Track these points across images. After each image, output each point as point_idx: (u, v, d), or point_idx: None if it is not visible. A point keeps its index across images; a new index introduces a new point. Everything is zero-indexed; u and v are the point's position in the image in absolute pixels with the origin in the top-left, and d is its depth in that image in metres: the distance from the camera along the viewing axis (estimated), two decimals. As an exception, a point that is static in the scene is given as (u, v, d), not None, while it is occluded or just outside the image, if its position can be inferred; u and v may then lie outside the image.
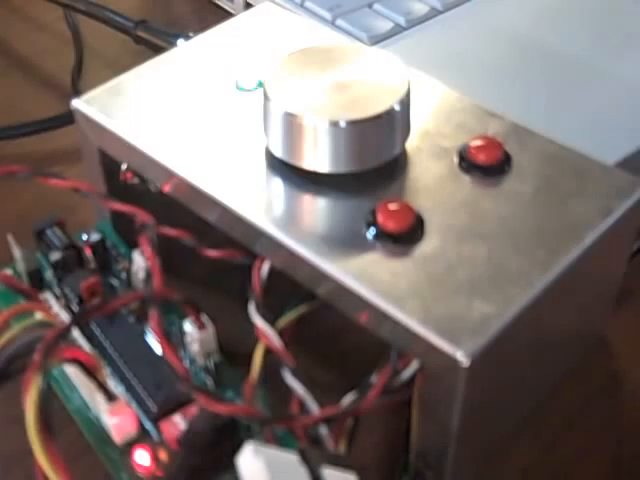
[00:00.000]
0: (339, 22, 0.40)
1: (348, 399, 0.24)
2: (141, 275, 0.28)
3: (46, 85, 0.43)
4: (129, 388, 0.25)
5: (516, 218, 0.24)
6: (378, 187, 0.25)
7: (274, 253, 0.24)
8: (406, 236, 0.24)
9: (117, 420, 0.24)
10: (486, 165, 0.26)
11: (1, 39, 0.46)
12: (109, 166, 0.29)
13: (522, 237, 0.24)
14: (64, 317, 0.27)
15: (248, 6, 0.44)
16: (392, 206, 0.24)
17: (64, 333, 0.23)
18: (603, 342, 0.30)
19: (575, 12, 0.40)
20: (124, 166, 0.29)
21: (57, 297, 0.28)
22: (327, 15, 0.40)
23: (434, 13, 0.40)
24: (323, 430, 0.23)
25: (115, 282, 0.29)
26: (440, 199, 0.25)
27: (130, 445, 0.25)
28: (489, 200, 0.25)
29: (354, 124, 0.24)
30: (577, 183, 0.25)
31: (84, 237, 0.29)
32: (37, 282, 0.28)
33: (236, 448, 0.20)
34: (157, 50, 0.37)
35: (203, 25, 0.32)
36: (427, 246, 0.23)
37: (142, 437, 0.25)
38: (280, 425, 0.24)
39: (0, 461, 0.26)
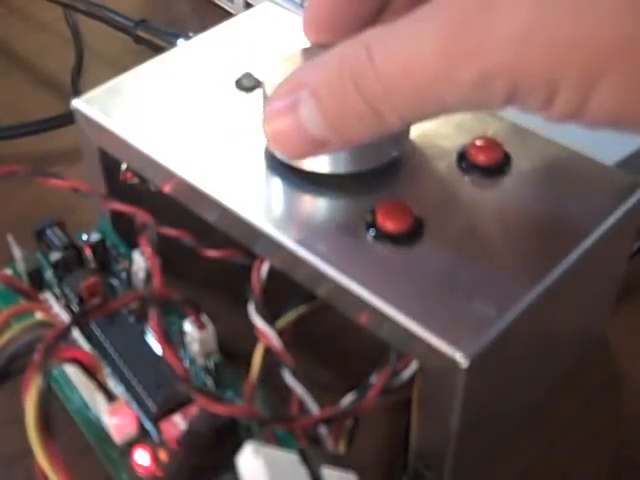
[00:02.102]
0: (339, 22, 0.40)
1: (348, 399, 0.24)
2: (141, 275, 0.28)
3: (46, 85, 0.43)
4: (129, 388, 0.25)
5: (516, 218, 0.24)
6: (377, 188, 0.25)
7: (274, 253, 0.24)
8: (405, 237, 0.24)
9: (117, 420, 0.24)
10: (486, 165, 0.26)
11: (1, 39, 0.46)
12: (109, 166, 0.29)
13: (522, 237, 0.24)
14: (64, 317, 0.27)
15: (248, 6, 0.44)
16: (391, 207, 0.24)
17: (64, 333, 0.23)
18: (603, 342, 0.30)
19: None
20: (124, 166, 0.29)
21: (57, 297, 0.28)
22: (327, 15, 0.40)
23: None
24: (323, 430, 0.23)
25: (115, 282, 0.29)
26: (440, 200, 0.25)
27: (130, 445, 0.25)
28: (489, 200, 0.25)
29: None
30: (577, 183, 0.25)
31: (84, 237, 0.29)
32: (37, 282, 0.28)
33: (236, 448, 0.20)
34: (157, 50, 0.37)
35: (203, 25, 0.32)
36: (426, 247, 0.23)
37: (142, 437, 0.25)
38: (280, 425, 0.24)
39: (0, 461, 0.26)
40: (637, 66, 0.17)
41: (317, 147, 0.22)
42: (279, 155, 0.26)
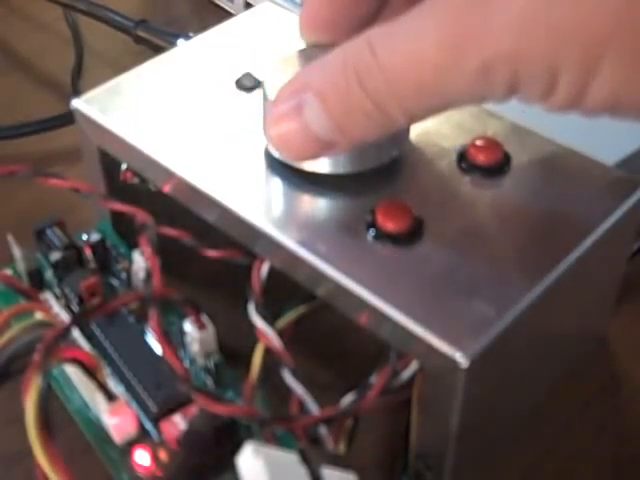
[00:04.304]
0: (339, 22, 0.40)
1: (348, 399, 0.24)
2: (141, 275, 0.28)
3: (46, 85, 0.43)
4: (129, 388, 0.25)
5: (516, 218, 0.24)
6: (377, 188, 0.25)
7: (274, 253, 0.24)
8: (405, 237, 0.24)
9: (117, 420, 0.24)
10: (486, 165, 0.26)
11: (1, 39, 0.46)
12: (109, 166, 0.29)
13: (522, 237, 0.24)
14: (64, 317, 0.27)
15: (248, 6, 0.44)
16: (391, 207, 0.24)
17: (64, 333, 0.23)
18: (603, 342, 0.30)
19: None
20: (124, 166, 0.29)
21: (57, 297, 0.28)
22: (327, 15, 0.40)
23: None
24: (323, 430, 0.23)
25: (115, 282, 0.29)
26: (439, 199, 0.25)
27: (130, 445, 0.25)
28: (489, 200, 0.25)
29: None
30: (577, 183, 0.25)
31: (84, 237, 0.29)
32: (37, 282, 0.28)
33: (236, 448, 0.20)
34: (157, 50, 0.37)
35: (203, 25, 0.32)
36: (426, 247, 0.23)
37: (142, 437, 0.25)
38: (280, 425, 0.24)
39: (0, 461, 0.26)
40: (632, 50, 0.18)
41: (323, 148, 0.22)
42: (279, 155, 0.26)
